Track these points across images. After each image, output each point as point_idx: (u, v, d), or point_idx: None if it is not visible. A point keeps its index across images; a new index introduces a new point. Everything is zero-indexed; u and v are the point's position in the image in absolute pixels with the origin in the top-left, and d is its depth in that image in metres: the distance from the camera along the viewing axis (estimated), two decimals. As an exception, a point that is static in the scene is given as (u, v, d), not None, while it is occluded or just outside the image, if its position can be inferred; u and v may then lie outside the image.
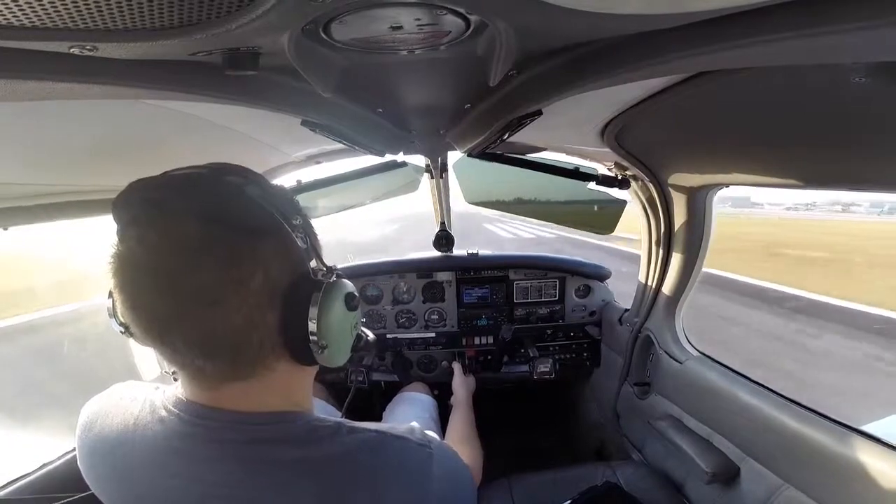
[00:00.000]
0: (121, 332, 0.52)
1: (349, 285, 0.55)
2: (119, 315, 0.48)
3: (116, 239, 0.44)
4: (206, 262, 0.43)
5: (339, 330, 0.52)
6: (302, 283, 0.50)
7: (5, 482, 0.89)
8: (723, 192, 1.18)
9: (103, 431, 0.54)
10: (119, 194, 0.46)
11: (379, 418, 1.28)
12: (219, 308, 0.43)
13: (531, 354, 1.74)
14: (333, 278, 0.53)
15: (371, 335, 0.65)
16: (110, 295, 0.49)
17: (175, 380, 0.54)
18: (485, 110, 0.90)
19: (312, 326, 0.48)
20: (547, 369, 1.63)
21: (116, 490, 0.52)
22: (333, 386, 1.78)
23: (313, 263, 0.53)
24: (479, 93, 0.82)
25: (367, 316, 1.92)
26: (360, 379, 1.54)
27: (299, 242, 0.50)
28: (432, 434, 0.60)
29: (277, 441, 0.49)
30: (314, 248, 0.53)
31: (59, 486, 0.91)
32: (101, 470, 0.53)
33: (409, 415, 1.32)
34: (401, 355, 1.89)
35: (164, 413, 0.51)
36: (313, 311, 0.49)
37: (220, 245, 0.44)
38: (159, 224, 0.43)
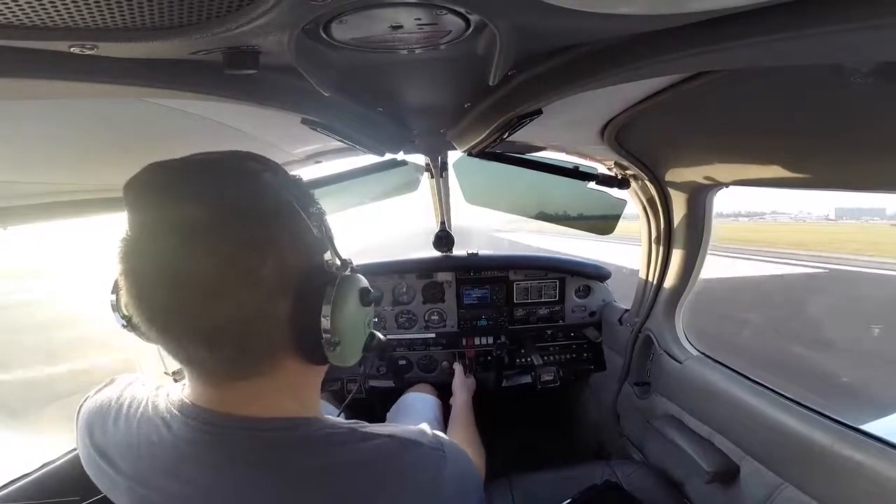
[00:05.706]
0: (122, 325, 0.50)
1: (363, 280, 0.53)
2: (123, 307, 0.46)
3: (127, 224, 0.43)
4: (215, 246, 0.41)
5: (352, 326, 0.50)
6: (315, 275, 0.47)
7: (7, 481, 0.89)
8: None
9: (106, 436, 0.53)
10: (133, 177, 0.44)
11: (380, 418, 1.28)
12: (226, 296, 0.42)
13: (534, 363, 1.72)
14: (348, 271, 0.51)
15: (382, 336, 0.64)
16: (114, 289, 0.48)
17: (176, 381, 0.53)
18: (485, 109, 0.90)
19: (325, 322, 0.46)
20: (551, 378, 1.62)
21: (127, 496, 0.50)
22: (331, 392, 1.77)
23: (328, 256, 0.51)
24: (479, 92, 0.82)
25: None
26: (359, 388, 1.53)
27: (315, 232, 0.48)
28: (443, 435, 0.59)
29: (290, 447, 0.47)
30: (329, 240, 0.51)
31: (61, 486, 0.91)
32: (109, 475, 0.52)
33: (418, 416, 1.30)
34: (394, 361, 1.87)
35: (169, 418, 0.49)
36: (326, 306, 0.46)
37: (231, 229, 0.42)
38: (169, 208, 0.42)
